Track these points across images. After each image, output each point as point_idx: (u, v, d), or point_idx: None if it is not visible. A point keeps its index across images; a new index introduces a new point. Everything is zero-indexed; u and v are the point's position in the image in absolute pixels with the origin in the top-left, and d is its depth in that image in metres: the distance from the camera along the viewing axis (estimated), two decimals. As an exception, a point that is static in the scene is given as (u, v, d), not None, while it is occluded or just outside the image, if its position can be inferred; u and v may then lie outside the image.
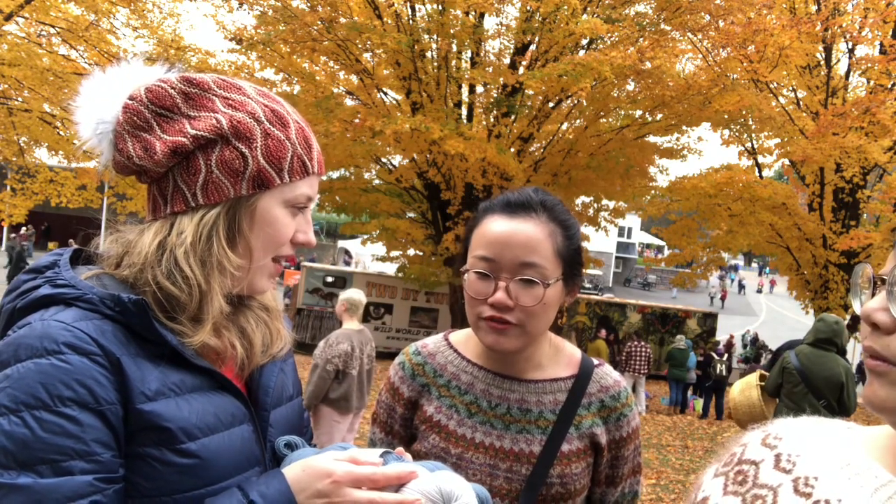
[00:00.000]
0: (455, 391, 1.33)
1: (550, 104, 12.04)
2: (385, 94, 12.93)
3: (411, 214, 15.19)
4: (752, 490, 0.74)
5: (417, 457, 1.33)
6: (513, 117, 12.08)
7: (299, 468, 0.91)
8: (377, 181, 14.98)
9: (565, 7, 9.78)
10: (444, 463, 1.27)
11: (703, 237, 15.96)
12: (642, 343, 13.91)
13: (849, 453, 0.71)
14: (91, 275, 0.96)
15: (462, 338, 1.41)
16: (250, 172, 0.96)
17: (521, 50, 11.81)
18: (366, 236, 18.07)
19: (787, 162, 14.43)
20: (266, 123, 0.98)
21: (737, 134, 14.34)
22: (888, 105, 11.62)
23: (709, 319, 19.65)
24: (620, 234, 49.56)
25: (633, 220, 45.12)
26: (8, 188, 12.71)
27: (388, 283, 17.09)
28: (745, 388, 5.48)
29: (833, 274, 13.51)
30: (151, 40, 12.12)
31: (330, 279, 17.19)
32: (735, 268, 58.01)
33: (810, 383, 5.09)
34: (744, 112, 12.11)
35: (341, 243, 36.19)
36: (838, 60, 13.95)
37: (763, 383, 5.50)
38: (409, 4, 11.54)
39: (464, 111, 12.48)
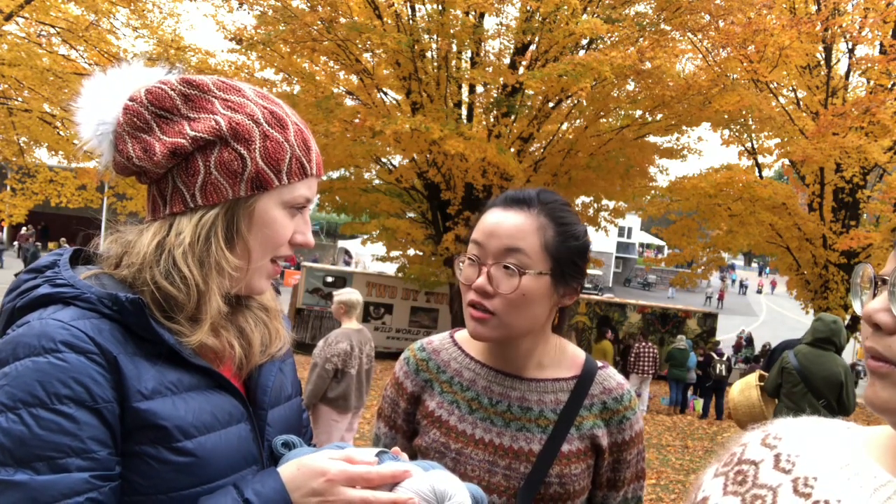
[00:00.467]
0: (457, 387, 1.34)
1: (550, 104, 12.03)
2: (385, 94, 12.92)
3: (411, 214, 15.18)
4: (752, 490, 0.74)
5: (418, 451, 1.35)
6: (513, 117, 12.06)
7: (294, 467, 0.91)
8: (377, 181, 14.95)
9: (565, 7, 9.77)
10: (444, 458, 1.28)
11: (703, 237, 15.91)
12: (649, 344, 13.85)
13: (848, 453, 0.71)
14: (90, 274, 0.97)
15: (467, 336, 1.41)
16: (249, 174, 0.97)
17: (521, 50, 11.80)
18: (366, 236, 18.07)
19: (787, 162, 14.39)
20: (265, 125, 0.98)
21: (737, 134, 14.30)
22: (888, 105, 11.59)
23: (709, 319, 19.62)
24: (620, 234, 49.58)
25: (633, 220, 45.09)
26: (8, 188, 12.72)
27: (388, 283, 17.07)
28: (744, 389, 5.48)
29: (833, 274, 13.48)
30: (151, 40, 12.12)
31: (330, 279, 17.16)
32: (731, 266, 57.88)
33: (809, 383, 5.08)
34: (744, 112, 12.09)
35: (341, 243, 36.24)
36: (838, 60, 13.92)
37: (762, 383, 5.50)
38: (409, 4, 11.53)
39: (464, 111, 12.46)
